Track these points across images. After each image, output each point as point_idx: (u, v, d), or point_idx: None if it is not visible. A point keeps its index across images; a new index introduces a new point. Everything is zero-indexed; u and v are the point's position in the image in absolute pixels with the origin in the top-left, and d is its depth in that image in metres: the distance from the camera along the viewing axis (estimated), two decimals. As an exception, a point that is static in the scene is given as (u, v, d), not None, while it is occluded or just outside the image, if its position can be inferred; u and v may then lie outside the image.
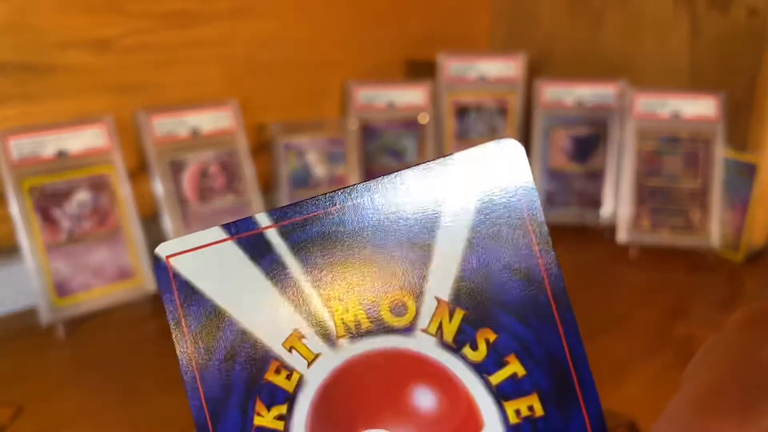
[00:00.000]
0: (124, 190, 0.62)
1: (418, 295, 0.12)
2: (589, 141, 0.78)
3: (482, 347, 0.12)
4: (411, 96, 0.80)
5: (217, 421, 0.13)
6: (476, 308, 0.12)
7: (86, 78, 0.62)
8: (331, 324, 0.13)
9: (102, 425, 0.45)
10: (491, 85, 0.82)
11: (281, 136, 0.74)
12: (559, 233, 0.77)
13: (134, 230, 0.62)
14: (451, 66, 0.82)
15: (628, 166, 0.73)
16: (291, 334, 0.13)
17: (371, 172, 0.80)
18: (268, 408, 0.13)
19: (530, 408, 0.12)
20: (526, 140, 0.82)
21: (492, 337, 0.12)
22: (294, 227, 0.13)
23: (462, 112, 0.83)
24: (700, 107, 0.71)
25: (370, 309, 0.12)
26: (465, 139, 0.83)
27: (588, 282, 0.66)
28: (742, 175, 0.69)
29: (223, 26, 0.70)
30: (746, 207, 0.69)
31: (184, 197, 0.66)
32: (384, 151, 0.81)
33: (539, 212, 0.12)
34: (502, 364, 0.12)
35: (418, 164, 0.12)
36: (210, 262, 0.13)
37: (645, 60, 0.79)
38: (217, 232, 0.13)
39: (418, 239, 0.12)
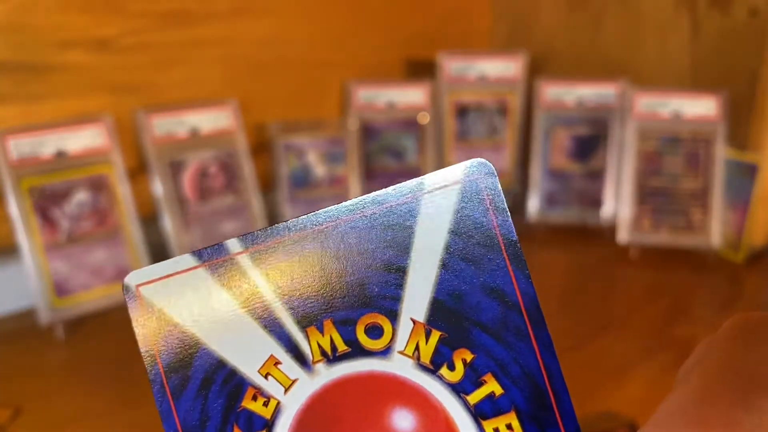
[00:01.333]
0: (123, 190, 0.61)
1: (394, 317, 0.12)
2: (590, 141, 0.78)
3: (459, 367, 0.12)
4: (411, 96, 0.80)
5: None
6: (452, 329, 0.12)
7: (85, 78, 0.62)
8: (306, 348, 0.13)
9: (101, 426, 0.45)
10: (492, 84, 0.82)
11: (281, 135, 0.74)
12: (559, 233, 0.77)
13: (134, 230, 0.62)
14: (452, 66, 0.82)
15: (629, 166, 0.73)
16: (266, 361, 0.13)
17: (371, 171, 0.80)
18: None
19: (509, 426, 0.12)
20: (526, 140, 0.81)
21: (469, 357, 0.12)
22: (265, 251, 0.12)
23: (462, 111, 0.83)
24: (700, 107, 0.71)
25: (345, 332, 0.12)
26: (465, 139, 0.83)
27: (588, 282, 0.66)
28: (743, 175, 0.69)
29: (223, 26, 0.70)
30: (747, 207, 0.68)
31: (183, 197, 0.65)
32: (384, 151, 0.80)
33: (512, 232, 0.12)
34: (479, 384, 0.12)
35: (390, 187, 0.12)
36: (181, 290, 0.13)
37: (646, 60, 0.78)
38: (187, 260, 0.13)
39: (392, 261, 0.12)
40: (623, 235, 0.72)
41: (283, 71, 0.76)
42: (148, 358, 0.13)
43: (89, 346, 0.55)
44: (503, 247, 0.12)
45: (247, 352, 0.12)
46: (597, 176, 0.78)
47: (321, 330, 0.12)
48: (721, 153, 0.70)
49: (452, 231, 0.12)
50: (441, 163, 0.83)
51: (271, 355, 0.13)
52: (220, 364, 0.13)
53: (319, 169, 0.75)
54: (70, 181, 0.59)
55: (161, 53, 0.66)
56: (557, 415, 0.12)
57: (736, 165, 0.70)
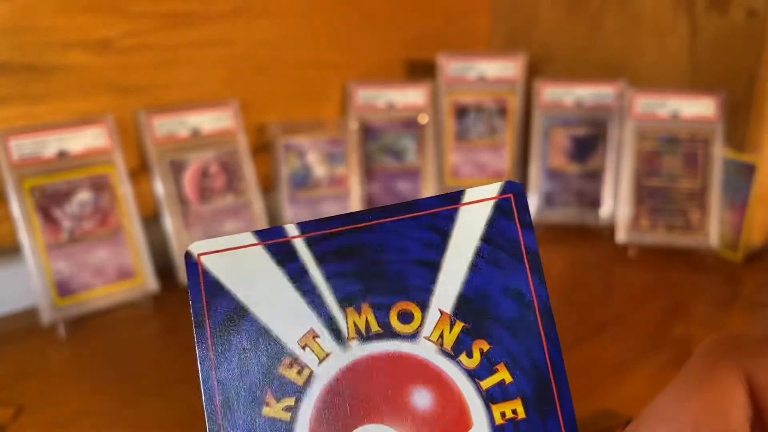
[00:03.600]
0: (124, 190, 0.62)
1: (424, 307, 0.14)
2: (589, 141, 0.79)
3: (476, 356, 0.14)
4: (411, 96, 0.80)
5: (228, 408, 0.14)
6: (474, 321, 0.14)
7: (87, 78, 0.63)
8: (344, 326, 0.14)
9: (103, 425, 0.45)
10: (491, 85, 0.82)
11: (281, 136, 0.74)
12: (558, 233, 0.77)
13: (135, 230, 0.62)
14: (451, 66, 0.82)
15: (628, 166, 0.73)
16: (306, 333, 0.14)
17: (371, 172, 0.80)
18: (278, 400, 0.14)
19: (514, 411, 0.14)
20: (525, 140, 0.82)
21: (486, 347, 0.14)
22: (319, 239, 0.14)
23: (462, 112, 0.83)
24: (699, 107, 0.72)
25: (380, 315, 0.14)
26: (465, 139, 0.83)
27: (587, 282, 0.66)
28: (741, 175, 0.69)
29: (224, 27, 0.70)
30: (745, 207, 0.69)
31: (184, 197, 0.66)
32: (384, 151, 0.81)
33: (534, 244, 0.14)
34: (492, 372, 0.14)
35: (435, 195, 0.15)
36: (238, 264, 0.14)
37: (644, 60, 0.79)
38: (248, 237, 0.14)
39: (428, 258, 0.14)
40: (622, 235, 0.72)
41: (283, 72, 0.76)
42: (198, 320, 0.14)
43: (91, 345, 0.56)
44: (525, 257, 0.14)
45: (289, 324, 0.14)
46: (596, 176, 0.78)
47: (359, 311, 0.14)
48: (720, 153, 0.71)
49: (483, 239, 0.14)
50: (441, 163, 0.83)
51: (311, 329, 0.14)
52: (264, 332, 0.14)
53: (320, 170, 0.75)
54: (72, 181, 0.59)
55: (162, 54, 0.67)
56: (557, 404, 0.14)
57: (734, 165, 0.70)
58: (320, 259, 0.14)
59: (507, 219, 0.14)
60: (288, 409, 0.14)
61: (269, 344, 0.14)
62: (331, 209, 0.75)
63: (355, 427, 0.14)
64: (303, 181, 0.75)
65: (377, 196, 0.81)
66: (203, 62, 0.70)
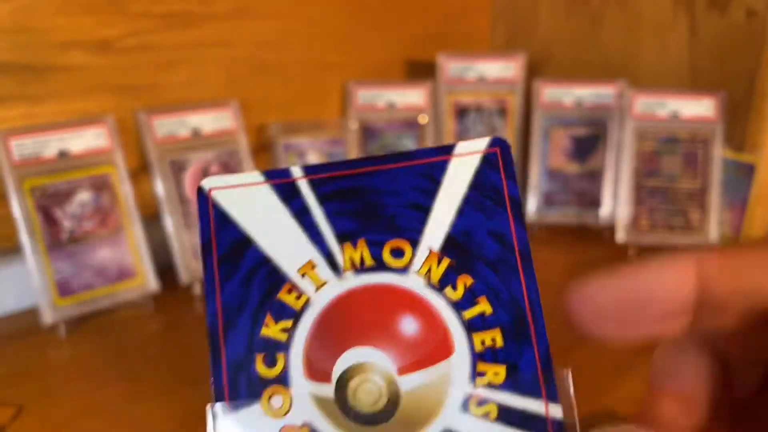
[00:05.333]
0: (125, 190, 0.62)
1: (415, 245, 0.15)
2: (589, 141, 0.79)
3: (460, 289, 0.15)
4: (411, 96, 0.81)
5: (228, 329, 0.15)
6: (459, 259, 0.15)
7: (87, 78, 0.63)
8: (340, 259, 0.16)
9: (103, 424, 0.45)
10: (491, 85, 0.82)
11: (281, 136, 0.74)
12: (557, 233, 0.77)
13: (136, 230, 0.62)
14: (451, 67, 0.82)
15: (627, 166, 0.73)
16: (305, 263, 0.16)
17: (371, 172, 0.80)
18: (276, 321, 0.16)
19: (492, 339, 0.15)
20: (525, 140, 0.82)
21: (469, 281, 0.15)
22: (321, 181, 0.16)
23: (462, 112, 0.83)
24: (699, 107, 0.72)
25: (374, 251, 0.16)
26: (465, 139, 0.83)
27: (587, 282, 0.66)
28: (741, 175, 0.69)
29: (224, 27, 0.70)
30: (745, 207, 0.69)
31: (185, 197, 0.66)
32: (384, 151, 0.81)
33: (516, 193, 0.16)
34: (474, 303, 0.15)
35: (428, 147, 0.16)
36: (245, 199, 0.16)
37: (644, 60, 0.79)
38: (256, 176, 0.16)
39: (420, 202, 0.15)
40: (621, 235, 0.72)
41: (283, 72, 0.76)
42: (206, 248, 0.16)
43: (91, 345, 0.56)
44: (508, 204, 0.16)
45: (290, 255, 0.15)
46: (595, 176, 0.78)
47: (354, 246, 0.16)
48: (719, 153, 0.71)
49: (471, 186, 0.16)
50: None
51: (310, 260, 0.16)
52: (266, 261, 0.16)
53: (320, 170, 0.75)
54: (73, 181, 0.59)
55: (163, 54, 0.67)
56: (533, 335, 0.15)
57: (733, 165, 0.70)
58: (321, 199, 0.16)
59: (493, 170, 0.16)
60: (285, 330, 0.15)
61: (270, 272, 0.15)
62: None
63: (346, 348, 0.15)
64: (303, 181, 0.75)
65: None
66: (203, 62, 0.70)
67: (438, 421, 0.15)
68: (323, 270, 0.16)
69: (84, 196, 0.60)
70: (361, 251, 0.16)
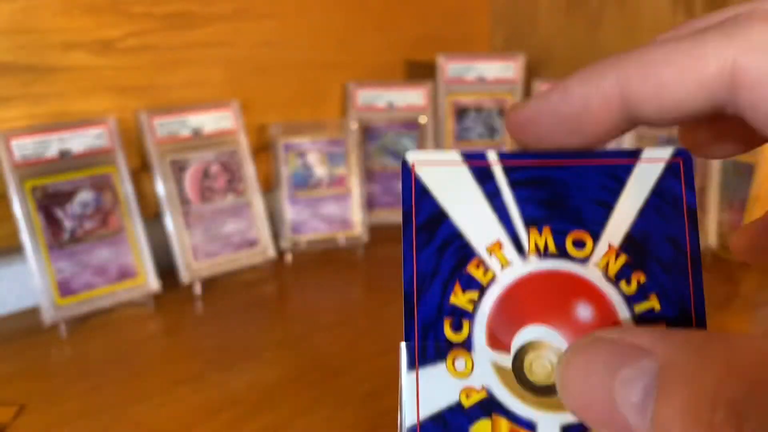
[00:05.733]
0: (126, 190, 0.62)
1: (596, 238, 0.17)
2: (588, 141, 0.79)
3: (634, 284, 0.16)
4: (411, 97, 0.81)
5: (422, 292, 0.17)
6: (636, 257, 0.16)
7: (89, 79, 0.63)
8: (525, 243, 0.17)
9: (104, 423, 0.45)
10: (490, 86, 0.83)
11: (282, 136, 0.74)
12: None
13: (136, 230, 0.62)
14: (451, 67, 0.82)
15: (627, 166, 0.73)
16: (494, 243, 0.17)
17: (371, 172, 0.81)
18: (464, 291, 0.17)
19: None
20: (525, 141, 0.82)
21: (642, 278, 0.16)
22: (514, 168, 0.17)
23: (461, 112, 0.83)
24: (697, 108, 0.72)
25: (558, 239, 0.17)
26: (464, 140, 0.84)
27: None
28: (740, 175, 0.70)
29: (225, 28, 0.70)
30: (744, 207, 0.69)
31: (185, 197, 0.66)
32: (384, 151, 0.81)
33: (694, 203, 0.17)
34: (646, 299, 0.16)
35: (618, 148, 0.17)
36: (444, 175, 0.17)
37: (643, 61, 0.79)
38: (455, 155, 0.17)
39: (604, 199, 0.17)
40: (621, 235, 0.72)
41: (284, 73, 0.76)
42: (407, 216, 0.17)
43: (92, 345, 0.56)
44: (686, 212, 0.17)
45: (480, 232, 0.17)
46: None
47: (540, 232, 0.17)
48: (718, 153, 0.71)
49: (653, 191, 0.17)
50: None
51: (498, 240, 0.17)
52: (458, 235, 0.17)
53: (320, 170, 0.75)
54: (74, 181, 0.59)
55: (164, 55, 0.67)
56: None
57: (732, 165, 0.70)
58: (513, 185, 0.17)
59: (675, 179, 0.17)
60: (471, 301, 0.17)
61: (462, 246, 0.17)
62: (331, 209, 0.75)
63: (525, 324, 0.16)
64: (303, 181, 0.75)
65: (377, 196, 0.81)
66: (204, 63, 0.70)
67: None
68: (509, 251, 0.17)
69: (85, 196, 0.60)
70: (546, 238, 0.17)
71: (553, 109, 0.16)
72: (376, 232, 0.77)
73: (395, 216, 0.81)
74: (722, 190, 0.71)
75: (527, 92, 0.82)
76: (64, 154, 0.59)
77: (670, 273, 0.15)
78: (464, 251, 0.17)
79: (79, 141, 0.60)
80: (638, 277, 0.16)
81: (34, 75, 0.60)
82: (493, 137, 0.83)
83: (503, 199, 0.17)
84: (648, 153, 0.17)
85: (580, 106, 0.16)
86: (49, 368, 0.53)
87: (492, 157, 0.17)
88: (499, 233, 0.17)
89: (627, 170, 0.17)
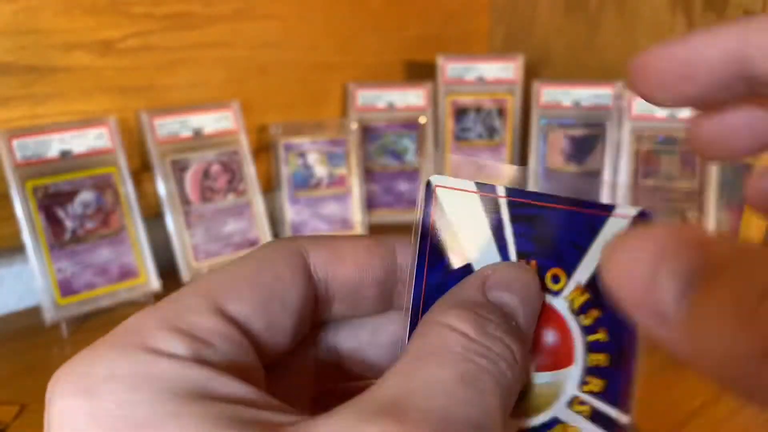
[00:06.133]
0: (127, 190, 0.62)
1: (569, 276, 0.19)
2: (587, 142, 0.79)
3: (590, 318, 0.18)
4: (411, 97, 0.81)
5: (428, 307, 0.18)
6: (596, 296, 0.18)
7: (90, 79, 0.63)
8: None
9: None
10: (490, 86, 0.83)
11: (282, 136, 0.75)
12: (557, 233, 0.78)
13: (137, 230, 0.62)
14: (450, 67, 0.82)
15: (625, 166, 0.74)
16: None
17: (371, 172, 0.81)
18: None
19: (600, 360, 0.19)
20: (523, 141, 0.82)
21: (597, 314, 0.18)
22: (517, 204, 0.19)
23: (461, 112, 0.83)
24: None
25: (541, 272, 0.19)
26: (464, 140, 0.84)
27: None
28: (739, 176, 0.70)
29: (225, 28, 0.71)
30: (742, 207, 0.69)
31: (186, 197, 0.66)
32: (384, 151, 0.81)
33: None
34: (596, 332, 0.18)
35: (595, 201, 0.19)
36: (458, 200, 0.19)
37: (642, 62, 0.79)
38: (470, 185, 0.19)
39: (581, 243, 0.19)
40: (620, 235, 0.72)
41: (284, 73, 0.76)
42: (425, 234, 0.19)
43: (93, 344, 0.56)
44: None
45: (482, 259, 0.19)
46: (594, 177, 0.79)
47: (527, 263, 0.19)
48: (717, 154, 0.71)
49: None
50: (440, 164, 0.83)
51: (493, 264, 0.19)
52: (465, 258, 0.19)
53: (320, 170, 0.76)
54: (75, 181, 0.60)
55: (164, 55, 0.67)
56: (631, 364, 0.19)
57: (731, 165, 0.70)
58: (513, 219, 0.19)
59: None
60: None
61: (466, 268, 0.19)
62: (331, 209, 0.76)
63: None
64: (303, 181, 0.75)
65: (377, 196, 0.81)
66: (205, 63, 0.70)
67: (551, 410, 0.19)
68: None
69: (86, 196, 0.60)
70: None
71: (672, 53, 0.17)
72: (376, 231, 0.77)
73: (395, 216, 0.81)
74: (720, 190, 0.71)
75: (526, 93, 0.82)
76: (65, 154, 0.59)
77: (620, 313, 0.16)
78: (467, 273, 0.19)
79: (80, 141, 0.60)
80: (595, 313, 0.18)
81: (35, 75, 0.60)
82: (493, 137, 0.84)
83: (504, 231, 0.19)
84: (619, 209, 0.19)
85: (698, 52, 0.16)
86: (50, 368, 0.53)
87: (501, 191, 0.19)
88: (495, 259, 0.19)
89: (601, 221, 0.19)
